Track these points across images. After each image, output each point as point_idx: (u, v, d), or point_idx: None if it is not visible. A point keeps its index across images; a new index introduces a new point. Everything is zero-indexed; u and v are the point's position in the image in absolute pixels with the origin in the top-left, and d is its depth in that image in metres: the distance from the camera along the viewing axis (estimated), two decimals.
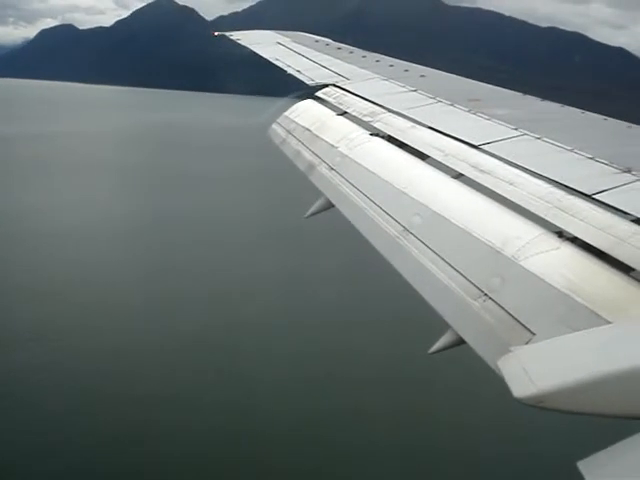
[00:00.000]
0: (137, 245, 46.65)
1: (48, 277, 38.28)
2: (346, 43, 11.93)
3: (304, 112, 7.97)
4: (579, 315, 3.39)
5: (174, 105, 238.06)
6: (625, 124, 6.21)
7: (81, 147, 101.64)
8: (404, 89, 8.09)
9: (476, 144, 5.63)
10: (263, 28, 13.23)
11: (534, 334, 3.52)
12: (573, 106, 6.81)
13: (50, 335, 29.10)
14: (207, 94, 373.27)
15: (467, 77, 8.90)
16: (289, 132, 7.69)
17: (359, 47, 11.74)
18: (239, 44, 12.26)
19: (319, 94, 8.50)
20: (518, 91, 7.80)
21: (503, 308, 3.80)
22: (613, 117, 6.28)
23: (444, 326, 4.13)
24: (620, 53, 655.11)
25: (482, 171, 5.15)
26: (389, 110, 7.14)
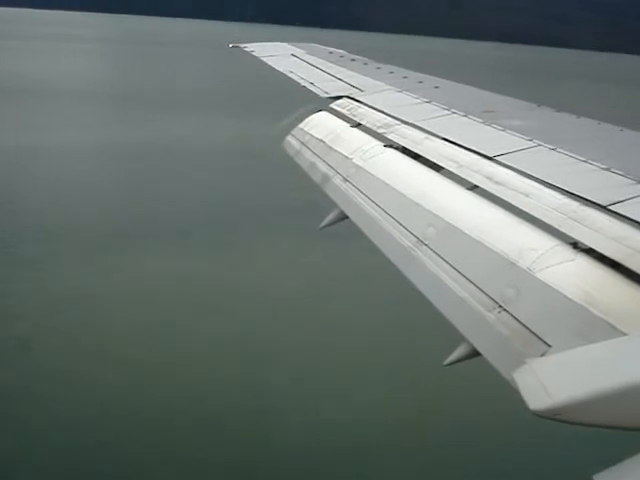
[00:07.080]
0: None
1: None
2: None
3: (318, 124, 8.03)
4: (595, 327, 3.38)
5: None
6: None
7: None
8: (418, 100, 8.12)
9: (490, 155, 5.64)
10: None
11: (550, 346, 3.51)
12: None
13: None
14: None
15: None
16: (303, 144, 7.76)
17: None
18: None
19: (333, 106, 8.57)
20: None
21: (518, 320, 3.79)
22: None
23: (459, 338, 4.13)
24: None
25: (497, 182, 5.15)
26: (403, 122, 7.18)
